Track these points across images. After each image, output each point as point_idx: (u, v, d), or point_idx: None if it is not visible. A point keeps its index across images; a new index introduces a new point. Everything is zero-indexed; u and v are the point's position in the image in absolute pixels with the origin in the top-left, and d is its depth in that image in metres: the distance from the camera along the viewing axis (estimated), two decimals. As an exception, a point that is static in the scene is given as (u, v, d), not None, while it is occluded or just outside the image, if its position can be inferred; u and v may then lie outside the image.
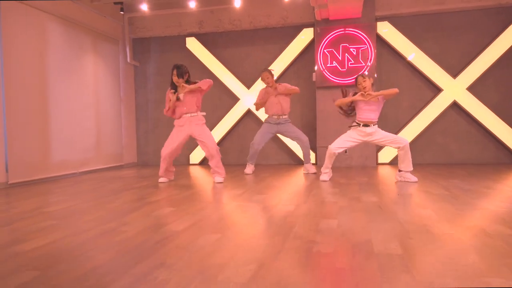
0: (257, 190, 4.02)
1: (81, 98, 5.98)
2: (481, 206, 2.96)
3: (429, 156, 6.38)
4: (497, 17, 6.07)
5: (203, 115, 4.72)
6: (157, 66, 7.45)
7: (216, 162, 4.65)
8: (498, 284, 1.52)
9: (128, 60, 7.21)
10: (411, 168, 4.31)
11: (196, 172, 6.11)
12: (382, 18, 6.30)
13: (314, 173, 5.33)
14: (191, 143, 7.23)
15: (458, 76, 6.09)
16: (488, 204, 3.01)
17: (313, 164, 6.67)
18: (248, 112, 6.99)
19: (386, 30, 6.20)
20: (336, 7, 5.60)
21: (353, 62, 6.07)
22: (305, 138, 5.40)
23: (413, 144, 6.33)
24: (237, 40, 7.11)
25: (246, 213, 2.93)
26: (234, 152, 7.15)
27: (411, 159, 4.29)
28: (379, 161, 6.36)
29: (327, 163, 4.58)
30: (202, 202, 3.45)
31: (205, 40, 7.17)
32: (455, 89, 6.08)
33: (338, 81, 6.13)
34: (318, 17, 6.09)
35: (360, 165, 6.25)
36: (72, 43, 5.81)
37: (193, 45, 7.11)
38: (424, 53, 6.20)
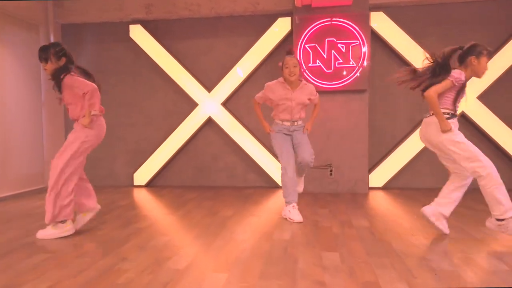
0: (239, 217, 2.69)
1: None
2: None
3: (429, 179, 5.24)
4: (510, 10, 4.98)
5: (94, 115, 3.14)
6: (92, 60, 5.87)
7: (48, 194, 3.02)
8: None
9: (54, 51, 5.58)
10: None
11: (141, 196, 4.66)
12: (376, 8, 5.05)
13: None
14: (135, 159, 5.73)
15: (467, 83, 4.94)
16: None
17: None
18: (209, 121, 5.56)
19: (375, 25, 4.95)
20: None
21: (341, 61, 4.78)
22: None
23: (412, 164, 5.15)
24: (196, 30, 5.65)
25: (245, 244, 2.78)
26: (190, 170, 5.71)
27: None
28: (371, 185, 5.14)
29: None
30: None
31: (154, 28, 5.67)
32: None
33: (323, 86, 4.83)
34: (298, 3, 4.75)
35: (348, 191, 4.99)
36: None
37: (138, 34, 5.60)
38: (427, 52, 5.00)
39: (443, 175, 5.03)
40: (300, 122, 3.73)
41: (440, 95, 2.86)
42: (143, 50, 5.62)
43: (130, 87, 5.80)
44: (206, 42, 5.64)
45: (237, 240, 2.89)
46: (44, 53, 2.99)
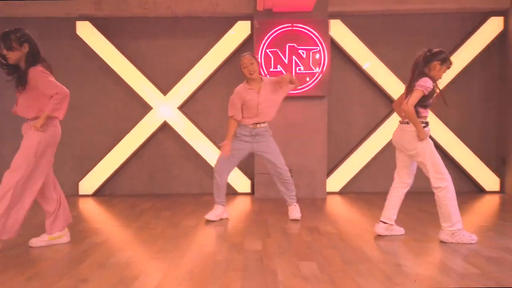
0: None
1: None
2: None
3: (382, 183, 5.39)
4: (460, 23, 5.30)
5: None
6: (34, 57, 5.36)
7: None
8: None
9: (-12, 47, 5.02)
10: None
11: (89, 207, 4.29)
12: (334, 16, 5.13)
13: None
14: (82, 166, 5.31)
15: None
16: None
17: (249, 194, 5.26)
18: (164, 126, 5.31)
19: (332, 32, 5.03)
20: (285, -7, 4.26)
21: (302, 68, 4.79)
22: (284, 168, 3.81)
23: (366, 169, 5.29)
24: (151, 30, 5.38)
25: (217, 257, 2.64)
26: (143, 178, 5.40)
27: None
28: (328, 190, 5.18)
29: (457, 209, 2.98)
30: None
31: (105, 26, 5.31)
32: (414, 105, 5.17)
33: (283, 91, 4.80)
34: (260, 7, 4.69)
35: (307, 196, 5.00)
36: None
37: (86, 32, 5.20)
38: (381, 60, 5.19)
39: (391, 180, 5.24)
40: (264, 125, 3.71)
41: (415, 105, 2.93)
42: (91, 49, 5.23)
43: (76, 89, 5.32)
44: (162, 43, 5.39)
45: (207, 253, 2.73)
46: (7, 40, 2.66)
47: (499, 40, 5.22)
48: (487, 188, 5.19)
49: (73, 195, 5.23)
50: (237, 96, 3.64)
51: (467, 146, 5.20)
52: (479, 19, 5.25)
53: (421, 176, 3.22)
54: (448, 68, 3.10)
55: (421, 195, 4.50)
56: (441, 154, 5.20)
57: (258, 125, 3.68)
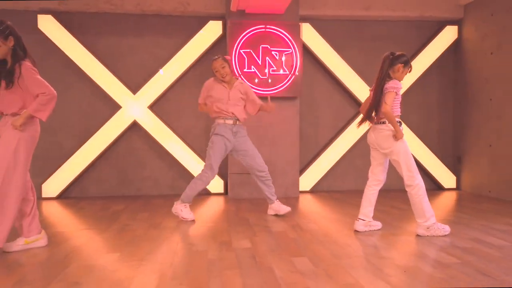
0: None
1: None
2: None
3: (350, 181, 5.62)
4: (419, 30, 5.65)
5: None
6: (-11, 52, 5.00)
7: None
8: None
9: None
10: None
11: (54, 210, 4.07)
12: (303, 19, 5.27)
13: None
14: (45, 168, 5.03)
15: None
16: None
17: (222, 194, 5.25)
18: (134, 125, 5.16)
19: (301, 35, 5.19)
20: (262, -5, 4.32)
21: (275, 68, 4.86)
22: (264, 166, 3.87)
23: (335, 168, 5.47)
24: (117, 26, 5.22)
25: (209, 255, 2.69)
26: (112, 179, 5.21)
27: None
28: (300, 189, 5.30)
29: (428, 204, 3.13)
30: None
31: (69, 21, 5.07)
32: (379, 107, 5.43)
33: (257, 91, 4.84)
34: (233, 7, 4.71)
35: (281, 195, 5.07)
36: None
37: (49, 26, 4.94)
38: (348, 63, 5.40)
39: (358, 178, 5.49)
40: (241, 123, 3.79)
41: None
42: (54, 44, 4.98)
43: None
44: (130, 41, 5.24)
45: (198, 252, 2.71)
46: None
47: (454, 47, 5.63)
48: (445, 185, 5.57)
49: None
50: (205, 88, 3.79)
51: (426, 146, 5.55)
52: (436, 27, 5.63)
53: (390, 174, 3.40)
54: (409, 71, 3.26)
55: (390, 192, 4.76)
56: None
57: (237, 122, 3.75)
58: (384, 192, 3.81)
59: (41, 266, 2.44)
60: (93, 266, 2.43)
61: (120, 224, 3.55)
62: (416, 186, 3.08)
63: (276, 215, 3.89)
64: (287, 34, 4.85)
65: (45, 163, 5.03)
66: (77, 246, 2.86)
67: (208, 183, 3.73)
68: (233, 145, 3.74)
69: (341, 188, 5.56)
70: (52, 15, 4.94)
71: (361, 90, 5.36)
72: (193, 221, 3.66)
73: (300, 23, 5.00)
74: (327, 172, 5.43)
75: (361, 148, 5.54)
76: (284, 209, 3.86)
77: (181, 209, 3.67)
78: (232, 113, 3.70)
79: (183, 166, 5.22)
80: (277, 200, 3.91)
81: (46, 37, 4.96)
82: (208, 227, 3.50)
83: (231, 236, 3.13)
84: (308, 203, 4.69)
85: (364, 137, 5.48)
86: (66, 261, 2.51)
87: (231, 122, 3.71)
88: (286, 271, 2.32)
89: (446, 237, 3.03)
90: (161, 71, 5.09)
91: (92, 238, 3.13)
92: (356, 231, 3.24)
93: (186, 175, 5.29)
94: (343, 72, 5.38)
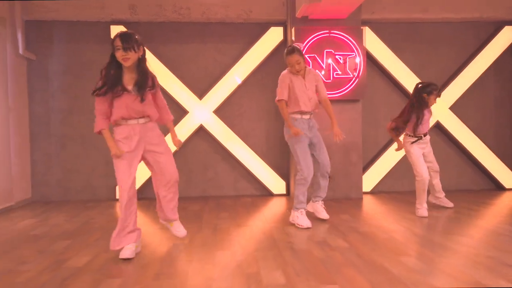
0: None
1: None
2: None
3: (408, 182, 5.68)
4: (476, 32, 5.67)
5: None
6: (63, 61, 5.30)
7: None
8: None
9: (20, 51, 4.93)
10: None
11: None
12: (363, 23, 5.38)
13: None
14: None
15: (442, 94, 5.51)
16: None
17: (284, 195, 5.39)
18: (200, 130, 5.37)
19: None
20: (329, 2, 4.44)
21: (339, 72, 4.99)
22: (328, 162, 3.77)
23: (394, 169, 5.54)
24: (182, 34, 5.44)
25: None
26: (179, 181, 5.40)
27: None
28: (364, 190, 5.39)
29: (424, 196, 3.94)
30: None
31: (138, 30, 5.21)
32: (438, 108, 5.47)
33: (322, 95, 4.99)
34: (300, 14, 4.86)
35: (344, 196, 5.19)
36: None
37: (121, 36, 5.19)
38: (405, 64, 5.48)
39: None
40: (313, 116, 3.72)
41: None
42: (125, 53, 5.22)
43: (109, 93, 5.34)
44: (193, 48, 5.45)
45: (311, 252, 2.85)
46: (130, 40, 2.58)
47: (512, 48, 5.63)
48: (506, 185, 5.56)
49: (109, 199, 5.22)
50: (284, 82, 3.57)
51: (486, 145, 5.56)
52: (493, 28, 5.64)
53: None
54: (438, 97, 4.08)
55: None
56: (462, 152, 5.59)
57: (311, 116, 3.67)
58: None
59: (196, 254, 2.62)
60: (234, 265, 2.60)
61: (210, 224, 3.72)
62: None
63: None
64: (350, 38, 4.97)
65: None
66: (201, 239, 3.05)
67: (309, 182, 3.59)
68: (310, 139, 3.66)
69: (401, 189, 5.62)
70: (124, 26, 5.19)
71: (420, 92, 5.42)
72: (308, 228, 3.49)
73: (362, 27, 5.10)
74: (388, 173, 5.50)
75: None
76: (325, 214, 3.80)
77: (297, 215, 3.56)
78: (310, 106, 3.60)
79: (245, 167, 5.39)
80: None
81: (118, 46, 5.21)
82: (273, 226, 3.62)
83: (327, 235, 3.25)
84: (370, 204, 4.77)
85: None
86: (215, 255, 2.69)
87: (307, 116, 3.62)
88: (399, 269, 2.43)
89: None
90: (238, 79, 5.27)
91: (194, 237, 3.31)
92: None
93: (248, 176, 5.46)
94: (401, 74, 5.46)
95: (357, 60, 4.99)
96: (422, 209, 3.91)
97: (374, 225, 3.61)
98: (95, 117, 2.75)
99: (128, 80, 2.69)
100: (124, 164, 2.67)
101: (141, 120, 2.73)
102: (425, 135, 4.04)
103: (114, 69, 2.67)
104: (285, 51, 3.60)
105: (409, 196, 5.08)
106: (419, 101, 3.92)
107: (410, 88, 5.42)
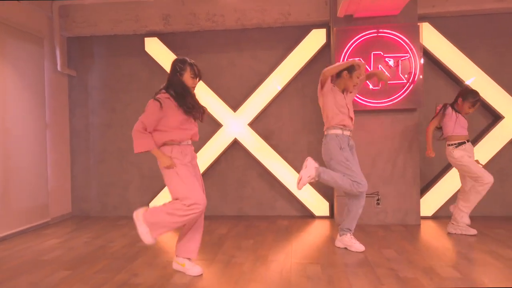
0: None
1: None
2: None
3: (481, 205, 4.71)
4: None
5: None
6: (102, 76, 5.28)
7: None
8: None
9: (59, 67, 4.98)
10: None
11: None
12: (421, 18, 4.60)
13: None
14: (151, 186, 5.11)
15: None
16: None
17: (327, 218, 4.79)
18: (235, 143, 4.99)
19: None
20: (374, -4, 3.79)
21: (389, 77, 4.28)
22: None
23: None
24: (217, 42, 5.12)
25: None
26: (214, 198, 5.10)
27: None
28: (422, 214, 4.59)
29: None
30: None
31: (172, 41, 5.12)
32: (520, 117, 4.48)
33: (369, 104, 4.32)
34: (341, 13, 4.26)
35: (398, 223, 4.43)
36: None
37: (154, 48, 5.04)
38: (477, 65, 4.57)
39: (491, 202, 4.62)
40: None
41: None
42: (159, 65, 5.05)
43: (144, 106, 5.20)
44: (228, 56, 5.11)
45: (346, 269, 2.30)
46: (196, 67, 2.86)
47: None
48: None
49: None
50: (331, 91, 3.35)
51: None
52: None
53: None
54: (472, 106, 3.78)
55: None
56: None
57: (350, 133, 3.39)
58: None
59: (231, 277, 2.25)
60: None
61: (226, 256, 3.29)
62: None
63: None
64: (403, 37, 4.24)
65: (151, 182, 5.12)
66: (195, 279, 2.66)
67: (364, 197, 3.32)
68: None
69: (470, 214, 4.68)
70: (158, 37, 5.03)
71: (496, 96, 4.49)
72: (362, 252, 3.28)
73: (419, 23, 4.34)
74: (453, 195, 4.62)
75: (497, 164, 4.65)
76: (360, 247, 3.33)
77: (352, 242, 3.36)
78: (351, 124, 3.37)
79: (285, 186, 4.88)
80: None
81: (152, 59, 5.06)
82: (318, 262, 3.06)
83: (351, 282, 2.65)
84: (429, 232, 3.98)
85: (501, 151, 4.58)
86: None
87: (348, 133, 3.35)
88: None
89: None
90: (278, 86, 4.85)
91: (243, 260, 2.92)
92: None
93: (287, 196, 4.96)
94: (471, 76, 4.56)
95: (412, 62, 4.24)
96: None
97: (422, 267, 2.89)
98: (130, 131, 2.80)
99: None
100: (193, 179, 2.67)
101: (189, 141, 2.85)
102: (467, 141, 3.78)
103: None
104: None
105: (481, 221, 4.19)
106: (454, 102, 3.86)
107: (485, 94, 4.58)
